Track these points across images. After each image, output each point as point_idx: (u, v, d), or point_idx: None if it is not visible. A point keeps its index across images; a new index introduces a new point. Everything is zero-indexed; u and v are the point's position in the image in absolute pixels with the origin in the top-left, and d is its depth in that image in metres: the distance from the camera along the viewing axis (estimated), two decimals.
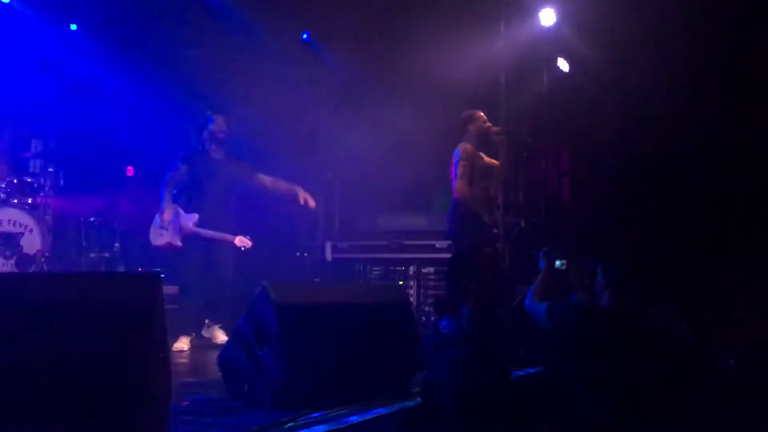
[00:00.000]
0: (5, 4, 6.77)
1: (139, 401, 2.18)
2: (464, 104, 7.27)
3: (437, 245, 6.80)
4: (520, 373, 4.07)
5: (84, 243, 6.46)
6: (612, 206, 7.72)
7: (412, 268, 7.00)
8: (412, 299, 6.85)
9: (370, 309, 3.52)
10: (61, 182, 6.25)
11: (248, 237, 5.16)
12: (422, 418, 2.99)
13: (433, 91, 6.96)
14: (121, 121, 6.79)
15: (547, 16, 6.88)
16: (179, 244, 5.14)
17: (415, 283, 6.94)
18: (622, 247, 6.98)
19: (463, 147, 5.36)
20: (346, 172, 7.46)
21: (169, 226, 5.13)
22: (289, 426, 2.73)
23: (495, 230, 6.28)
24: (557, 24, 6.96)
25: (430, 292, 6.86)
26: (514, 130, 6.70)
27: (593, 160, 7.85)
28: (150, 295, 2.35)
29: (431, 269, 6.91)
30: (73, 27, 7.35)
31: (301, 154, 7.08)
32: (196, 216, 5.18)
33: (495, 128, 5.55)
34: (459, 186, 5.26)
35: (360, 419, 2.85)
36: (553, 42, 7.15)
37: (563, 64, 7.38)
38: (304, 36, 7.81)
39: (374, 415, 2.92)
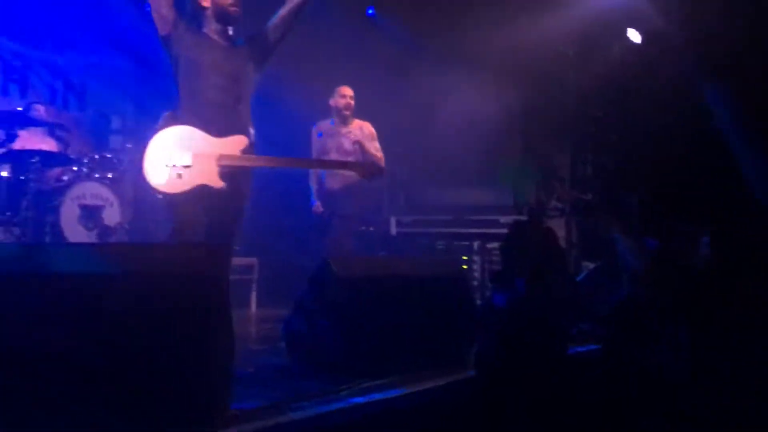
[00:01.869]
0: None
1: (203, 368, 2.32)
2: (531, 77, 7.21)
3: (501, 220, 6.81)
4: (580, 349, 4.07)
5: (161, 215, 6.76)
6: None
7: (476, 244, 7.02)
8: (476, 274, 6.89)
9: (427, 282, 3.60)
10: (139, 156, 6.53)
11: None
12: (475, 389, 3.06)
13: (498, 64, 6.90)
14: None
15: None
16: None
17: (479, 258, 6.97)
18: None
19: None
20: (410, 146, 7.51)
21: None
22: (347, 392, 2.84)
23: (559, 205, 6.23)
24: None
25: (495, 267, 6.88)
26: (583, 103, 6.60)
27: (669, 134, 7.61)
28: (216, 265, 2.49)
29: (495, 244, 6.92)
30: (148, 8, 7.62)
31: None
32: None
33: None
34: None
35: (414, 389, 2.94)
36: (623, 11, 6.94)
37: (634, 35, 7.16)
38: (370, 11, 7.86)
39: (429, 386, 3.00)
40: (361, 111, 5.64)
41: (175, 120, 3.35)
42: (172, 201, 3.27)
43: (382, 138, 5.64)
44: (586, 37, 6.62)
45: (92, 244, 4.76)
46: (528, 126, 7.71)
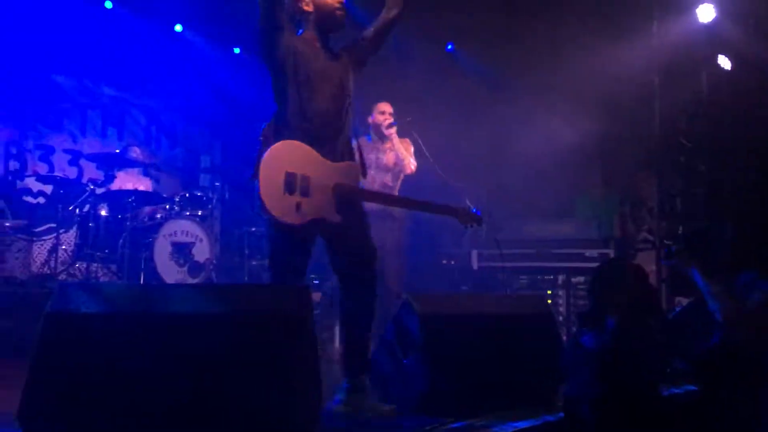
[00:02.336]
0: (177, 33, 7.48)
1: (290, 407, 2.35)
2: (615, 107, 7.06)
3: (586, 254, 6.64)
4: (676, 390, 3.90)
5: (246, 251, 6.95)
6: None
7: (560, 278, 6.86)
8: (560, 309, 6.73)
9: (512, 319, 3.55)
10: (226, 195, 6.78)
11: None
12: None
13: (579, 93, 6.81)
14: None
15: (706, 12, 6.50)
16: None
17: (564, 292, 6.80)
18: None
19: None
20: (489, 179, 7.47)
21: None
22: None
23: (650, 237, 6.03)
24: (717, 20, 6.55)
25: (580, 302, 6.69)
26: (670, 133, 6.41)
27: (760, 165, 7.28)
28: (301, 305, 2.54)
29: (581, 278, 6.74)
30: (236, 50, 7.97)
31: (442, 161, 7.19)
32: None
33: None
34: None
35: (501, 430, 2.88)
36: (713, 39, 6.73)
37: (724, 62, 6.93)
38: (449, 47, 7.93)
39: (516, 428, 2.93)
40: (437, 144, 5.53)
41: (280, 135, 3.06)
42: (286, 231, 2.98)
43: (461, 169, 5.58)
44: (673, 64, 6.45)
45: (186, 286, 4.91)
46: (610, 156, 7.54)
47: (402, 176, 5.35)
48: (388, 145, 5.30)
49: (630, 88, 6.52)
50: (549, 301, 6.74)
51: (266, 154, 2.95)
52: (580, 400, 2.90)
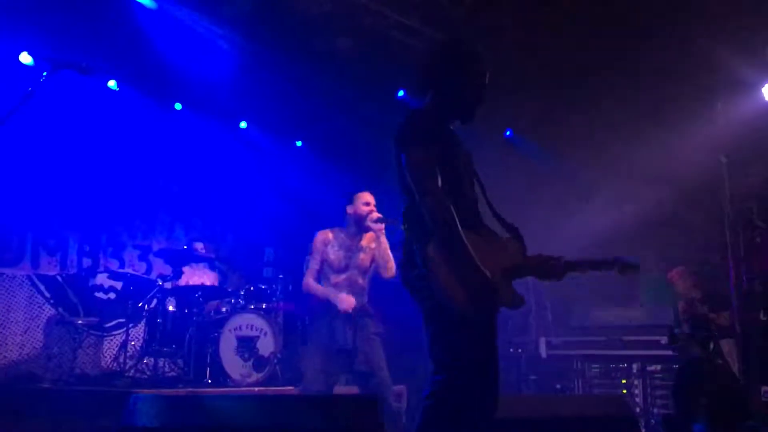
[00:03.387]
0: (242, 129, 7.75)
1: None
2: (685, 188, 6.89)
3: (661, 341, 6.33)
4: None
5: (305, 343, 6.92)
6: None
7: (635, 366, 6.54)
8: (637, 399, 6.39)
9: (592, 423, 3.36)
10: (290, 287, 6.81)
11: None
12: None
13: (647, 177, 6.69)
14: None
15: None
16: None
17: (640, 382, 6.47)
18: None
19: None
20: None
21: None
22: None
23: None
24: None
25: (658, 392, 6.35)
26: (743, 212, 6.18)
27: None
28: (369, 417, 2.46)
29: (657, 366, 6.41)
30: (298, 143, 8.19)
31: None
32: None
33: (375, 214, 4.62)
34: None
35: None
36: None
37: None
38: (507, 133, 7.97)
39: None
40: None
41: None
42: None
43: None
44: (742, 144, 6.28)
45: (257, 397, 4.81)
46: (673, 238, 7.30)
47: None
48: (364, 241, 4.73)
49: (702, 169, 6.37)
50: (624, 391, 6.44)
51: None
52: None
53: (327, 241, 4.73)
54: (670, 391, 3.20)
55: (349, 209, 4.70)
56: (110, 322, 6.63)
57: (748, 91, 6.46)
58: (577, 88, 7.03)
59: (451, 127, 2.95)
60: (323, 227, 4.78)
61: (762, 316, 5.92)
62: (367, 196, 4.70)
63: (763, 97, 6.42)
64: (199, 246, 6.60)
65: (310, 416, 2.40)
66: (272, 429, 2.35)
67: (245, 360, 5.97)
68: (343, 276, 4.65)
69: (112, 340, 6.64)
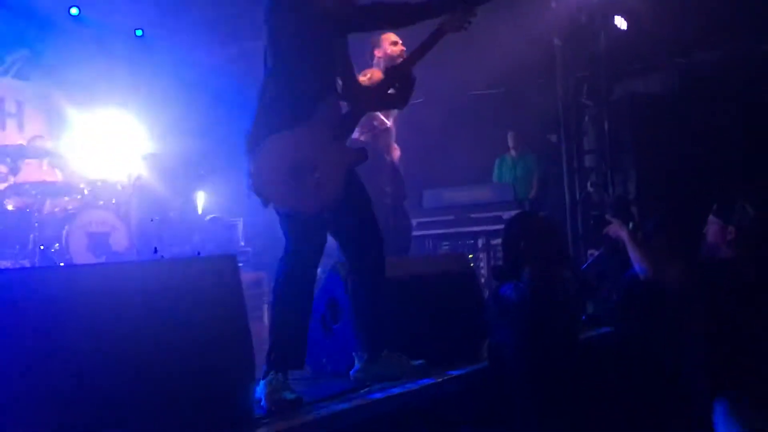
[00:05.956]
0: None
1: (222, 380, 2.38)
2: (520, 72, 7.26)
3: (504, 216, 6.84)
4: (591, 333, 4.13)
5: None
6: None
7: (480, 241, 7.05)
8: (482, 271, 6.92)
9: (435, 279, 3.67)
10: None
11: None
12: (489, 381, 3.11)
13: (485, 63, 6.95)
14: None
15: None
16: None
17: (485, 255, 7.00)
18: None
19: None
20: (403, 148, 7.56)
21: None
22: (367, 390, 2.91)
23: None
24: None
25: (500, 263, 6.90)
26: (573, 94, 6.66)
27: (655, 120, 7.65)
28: (227, 277, 2.56)
29: (500, 240, 6.93)
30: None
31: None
32: None
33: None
34: None
35: (431, 381, 3.00)
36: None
37: (621, 22, 7.23)
38: None
39: (444, 378, 3.07)
40: None
41: None
42: None
43: None
44: (573, 27, 6.69)
45: (104, 264, 4.75)
46: (521, 119, 7.72)
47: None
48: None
49: (536, 54, 6.72)
50: (472, 264, 6.96)
51: None
52: (503, 349, 3.05)
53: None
54: (501, 243, 3.52)
55: (377, 52, 4.36)
56: None
57: None
58: None
59: None
60: None
61: (589, 187, 6.58)
62: (393, 36, 4.32)
63: None
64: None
65: (170, 277, 2.43)
66: (130, 293, 2.35)
67: (98, 257, 5.82)
68: None
69: None
